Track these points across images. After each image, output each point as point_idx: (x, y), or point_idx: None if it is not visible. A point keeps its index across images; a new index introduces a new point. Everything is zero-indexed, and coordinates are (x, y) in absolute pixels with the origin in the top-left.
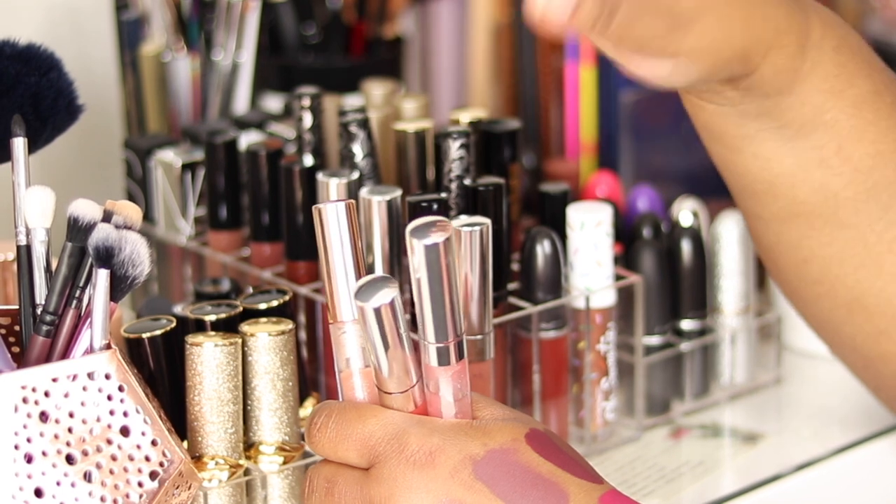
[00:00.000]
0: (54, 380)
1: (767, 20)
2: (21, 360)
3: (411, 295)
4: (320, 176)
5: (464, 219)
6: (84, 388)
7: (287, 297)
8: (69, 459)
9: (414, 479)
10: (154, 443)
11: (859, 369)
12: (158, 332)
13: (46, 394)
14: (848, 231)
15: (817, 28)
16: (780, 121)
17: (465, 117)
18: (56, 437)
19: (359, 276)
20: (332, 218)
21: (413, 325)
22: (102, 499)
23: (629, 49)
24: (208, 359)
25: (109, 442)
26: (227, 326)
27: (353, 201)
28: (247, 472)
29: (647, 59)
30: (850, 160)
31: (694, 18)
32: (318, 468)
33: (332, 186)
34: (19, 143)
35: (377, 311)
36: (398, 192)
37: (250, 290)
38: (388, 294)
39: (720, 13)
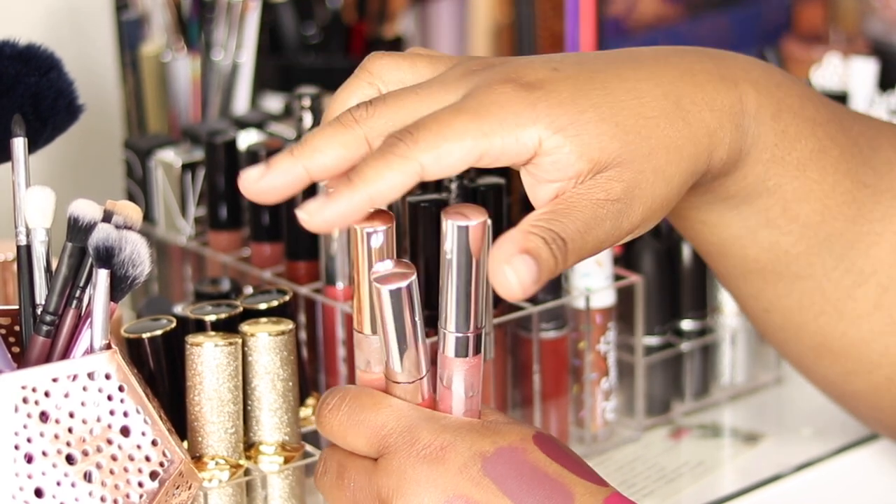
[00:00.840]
0: (54, 380)
1: (697, 133)
2: (21, 361)
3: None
4: None
5: None
6: (84, 388)
7: (287, 297)
8: (69, 459)
9: (422, 473)
10: (154, 443)
11: (837, 402)
12: (158, 332)
13: (46, 394)
14: (804, 282)
15: (752, 100)
16: (723, 194)
17: None
18: (56, 437)
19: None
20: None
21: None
22: (103, 499)
23: (590, 256)
24: (208, 359)
25: (110, 442)
26: (227, 326)
27: (392, 226)
28: (247, 472)
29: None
30: (797, 219)
31: (632, 195)
32: (333, 451)
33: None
34: (19, 143)
35: (394, 294)
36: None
37: (250, 290)
38: (406, 278)
39: (652, 169)
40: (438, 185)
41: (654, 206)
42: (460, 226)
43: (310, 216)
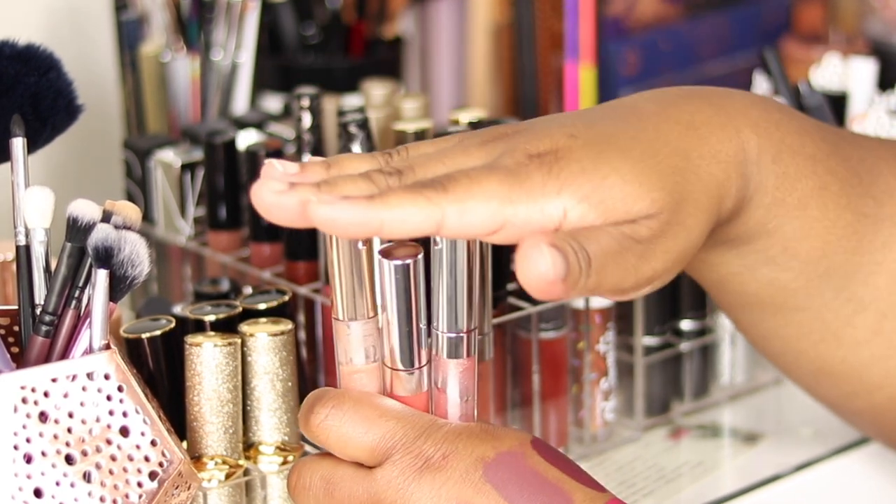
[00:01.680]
0: (53, 380)
1: (709, 186)
2: (20, 361)
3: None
4: None
5: None
6: (83, 389)
7: (287, 298)
8: (68, 460)
9: (425, 483)
10: (153, 443)
11: (840, 418)
12: (158, 333)
13: (46, 394)
14: (803, 313)
15: (753, 146)
16: (723, 238)
17: (465, 117)
18: (55, 437)
19: (367, 275)
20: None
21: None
22: (102, 499)
23: (607, 292)
24: (208, 359)
25: (109, 442)
26: (227, 327)
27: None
28: (246, 472)
29: (625, 293)
30: (798, 256)
31: (655, 242)
32: (313, 465)
33: None
34: (18, 144)
35: (400, 268)
36: None
37: (250, 290)
38: (413, 254)
39: (676, 221)
40: None
41: (676, 258)
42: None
43: (317, 201)
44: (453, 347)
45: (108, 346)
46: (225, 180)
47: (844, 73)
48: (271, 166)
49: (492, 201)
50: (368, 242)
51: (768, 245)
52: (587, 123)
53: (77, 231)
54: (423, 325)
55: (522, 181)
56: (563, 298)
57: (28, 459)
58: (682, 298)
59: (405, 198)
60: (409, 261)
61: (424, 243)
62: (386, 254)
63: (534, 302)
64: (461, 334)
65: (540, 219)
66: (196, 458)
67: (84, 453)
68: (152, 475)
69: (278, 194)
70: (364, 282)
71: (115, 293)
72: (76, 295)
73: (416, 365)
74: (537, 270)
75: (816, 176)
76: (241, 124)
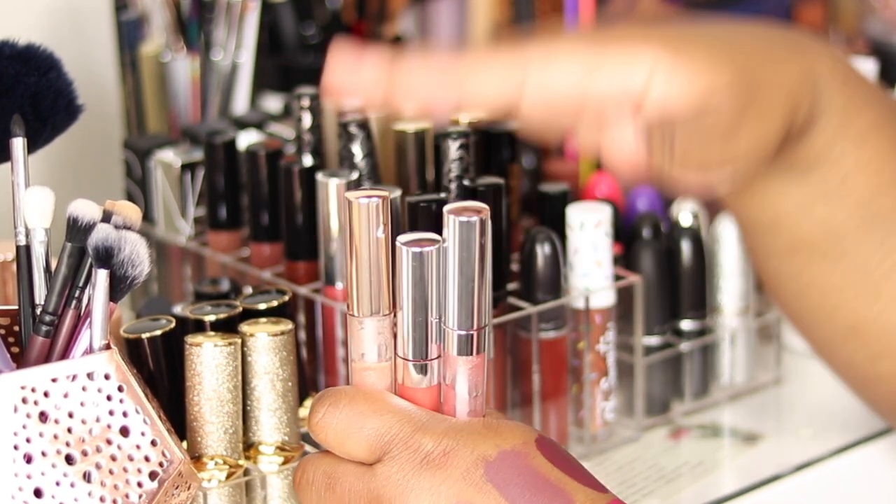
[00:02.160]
0: (54, 380)
1: (788, 90)
2: (20, 361)
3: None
4: (320, 176)
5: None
6: (83, 389)
7: (287, 298)
8: (68, 460)
9: (425, 480)
10: (153, 443)
11: (857, 388)
12: (158, 333)
13: (46, 394)
14: (847, 261)
15: (824, 69)
16: (790, 162)
17: (465, 117)
18: (55, 437)
19: (385, 270)
20: (362, 213)
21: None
22: (102, 499)
23: (692, 169)
24: (208, 359)
25: (109, 442)
26: (227, 327)
27: (387, 195)
28: (246, 472)
29: (707, 172)
30: (852, 193)
31: (739, 123)
32: (316, 461)
33: (332, 187)
34: (19, 144)
35: (417, 256)
36: (398, 192)
37: (250, 290)
38: (434, 243)
39: (757, 109)
40: (438, 186)
41: (756, 142)
42: (462, 221)
43: (391, 68)
44: (464, 344)
45: (108, 346)
46: (225, 180)
47: None
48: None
49: (574, 63)
50: (388, 229)
51: (829, 175)
52: (673, 20)
53: (77, 231)
54: (435, 319)
55: (613, 39)
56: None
57: (28, 459)
58: (682, 298)
59: (483, 58)
60: (427, 248)
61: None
62: (406, 243)
63: (534, 302)
64: (471, 332)
65: (622, 89)
66: (196, 458)
67: (84, 453)
68: (152, 475)
69: (354, 70)
70: (381, 278)
71: (115, 293)
72: (76, 295)
73: (429, 356)
74: (624, 153)
75: (875, 112)
76: (241, 124)
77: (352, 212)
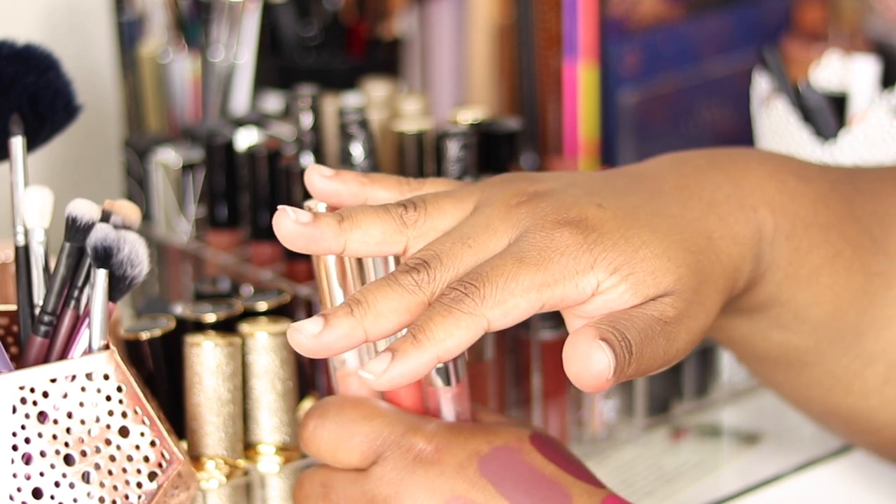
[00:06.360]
0: (53, 380)
1: (727, 269)
2: (19, 361)
3: None
4: None
5: None
6: (82, 389)
7: (287, 298)
8: (67, 460)
9: (419, 476)
10: (153, 443)
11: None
12: (157, 333)
13: (45, 394)
14: (814, 368)
15: (769, 226)
16: (734, 309)
17: (465, 117)
18: (54, 437)
19: (354, 277)
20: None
21: None
22: (101, 499)
23: (637, 375)
24: (207, 359)
25: (108, 442)
26: (227, 326)
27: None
28: (246, 472)
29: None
30: (808, 321)
31: (680, 323)
32: (312, 474)
33: None
34: (17, 143)
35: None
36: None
37: (250, 290)
38: None
39: (698, 301)
40: None
41: (695, 337)
42: None
43: (376, 377)
44: (442, 376)
45: (107, 347)
46: (225, 180)
47: (845, 72)
48: (284, 213)
49: (530, 292)
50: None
51: (779, 313)
52: (615, 194)
53: (76, 231)
54: None
55: (556, 260)
56: (605, 389)
57: (27, 460)
58: None
59: (447, 323)
60: None
61: None
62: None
63: None
64: (447, 364)
65: (575, 294)
66: (195, 458)
67: (83, 454)
68: (151, 476)
69: (316, 337)
70: (351, 281)
71: (114, 293)
72: (75, 295)
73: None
74: (595, 369)
75: (829, 244)
76: (241, 124)
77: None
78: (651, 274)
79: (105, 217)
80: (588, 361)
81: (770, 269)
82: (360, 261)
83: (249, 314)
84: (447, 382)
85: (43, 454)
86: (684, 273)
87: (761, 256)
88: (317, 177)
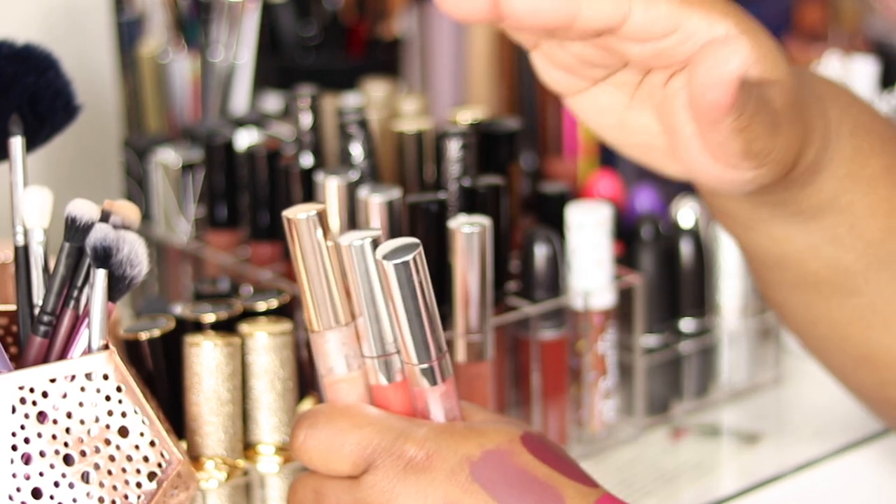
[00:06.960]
0: (52, 380)
1: (806, 119)
2: (19, 361)
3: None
4: (319, 176)
5: (463, 219)
6: (82, 389)
7: (286, 298)
8: (67, 460)
9: (410, 483)
10: (152, 443)
11: (868, 407)
12: (157, 333)
13: (44, 394)
14: (858, 298)
15: (835, 115)
16: (795, 208)
17: (465, 117)
18: (54, 437)
19: (337, 282)
20: (304, 228)
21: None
22: (101, 499)
23: (738, 145)
24: (207, 359)
25: (107, 442)
26: (227, 327)
27: (324, 207)
28: (245, 472)
29: (734, 166)
30: (863, 236)
31: (782, 115)
32: (304, 480)
33: (331, 186)
34: (17, 143)
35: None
36: (398, 192)
37: (249, 290)
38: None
39: (797, 108)
40: (438, 186)
41: (788, 148)
42: (397, 263)
43: None
44: (428, 376)
45: (106, 347)
46: (225, 180)
47: (845, 72)
48: None
49: (674, 1)
50: (333, 237)
51: (837, 222)
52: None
53: (76, 231)
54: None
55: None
56: (724, 116)
57: (27, 460)
58: (681, 298)
59: None
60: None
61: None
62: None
63: (533, 302)
64: (431, 363)
65: (706, 34)
66: (195, 458)
67: (83, 454)
68: (151, 476)
69: None
70: (334, 287)
71: (113, 293)
72: (75, 295)
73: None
74: (732, 64)
75: (885, 156)
76: (241, 124)
77: (292, 230)
78: (770, 51)
79: (104, 217)
80: (727, 53)
81: (833, 161)
82: (341, 261)
83: (249, 314)
84: (433, 382)
85: (42, 454)
86: (792, 73)
87: (828, 140)
88: None
